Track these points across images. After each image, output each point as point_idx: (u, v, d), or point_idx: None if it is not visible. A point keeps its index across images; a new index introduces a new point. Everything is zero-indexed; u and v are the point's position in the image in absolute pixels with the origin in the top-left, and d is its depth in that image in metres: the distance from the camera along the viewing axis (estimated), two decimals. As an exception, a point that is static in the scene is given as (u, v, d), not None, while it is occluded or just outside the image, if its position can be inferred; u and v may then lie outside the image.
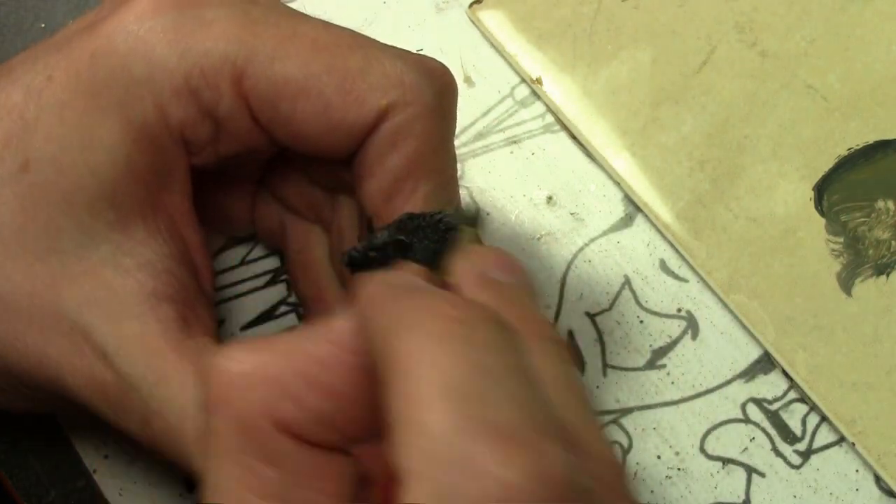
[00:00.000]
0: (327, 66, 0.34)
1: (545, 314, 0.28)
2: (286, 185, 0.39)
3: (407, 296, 0.25)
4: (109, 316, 0.32)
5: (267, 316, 0.42)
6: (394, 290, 0.25)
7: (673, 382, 0.41)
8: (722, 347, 0.41)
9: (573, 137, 0.44)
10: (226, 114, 0.34)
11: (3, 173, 0.32)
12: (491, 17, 0.46)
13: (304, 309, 0.41)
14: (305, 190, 0.39)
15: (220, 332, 0.42)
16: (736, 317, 0.41)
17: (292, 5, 0.47)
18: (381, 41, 0.35)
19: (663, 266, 0.42)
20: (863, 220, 0.41)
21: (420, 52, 0.36)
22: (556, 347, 0.27)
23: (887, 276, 0.41)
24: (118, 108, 0.33)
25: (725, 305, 0.41)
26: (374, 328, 0.25)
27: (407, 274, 0.28)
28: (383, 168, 0.34)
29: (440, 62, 0.35)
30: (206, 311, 0.35)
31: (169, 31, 0.33)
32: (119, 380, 0.32)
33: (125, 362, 0.32)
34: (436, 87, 0.35)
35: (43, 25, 0.47)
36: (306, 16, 0.35)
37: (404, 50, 0.35)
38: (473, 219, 0.33)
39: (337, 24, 0.36)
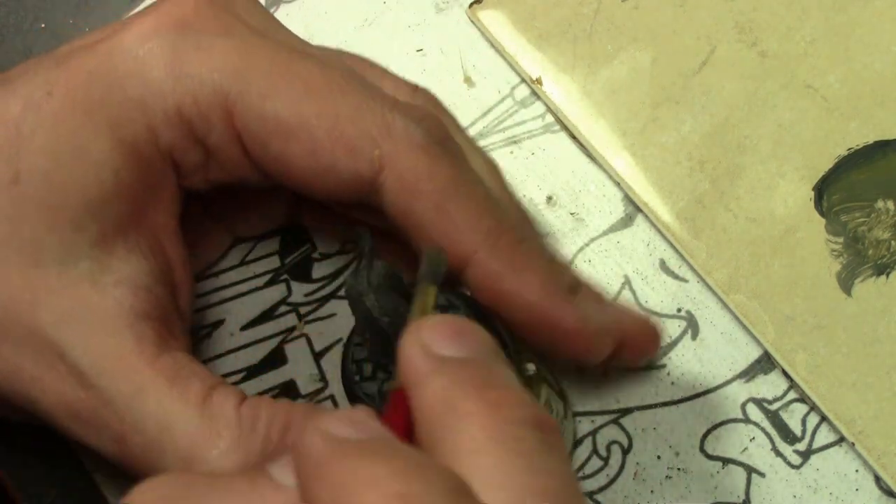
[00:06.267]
0: (318, 109, 0.34)
1: (513, 385, 0.26)
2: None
3: (349, 461, 0.23)
4: (85, 333, 0.32)
5: (267, 316, 0.43)
6: (333, 449, 0.23)
7: (673, 382, 0.41)
8: (722, 347, 0.41)
9: (573, 137, 0.44)
10: (216, 144, 0.34)
11: None
12: (491, 17, 0.46)
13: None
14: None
15: (219, 332, 0.42)
16: (736, 317, 0.41)
17: (292, 6, 0.47)
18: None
19: (663, 266, 0.42)
20: (863, 220, 0.41)
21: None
22: (534, 434, 0.25)
23: (887, 276, 0.41)
24: (111, 127, 0.33)
25: (725, 305, 0.41)
26: (312, 496, 0.23)
27: (355, 416, 0.25)
28: (414, 218, 0.34)
29: (426, 109, 0.36)
30: (180, 328, 0.35)
31: (167, 53, 0.33)
32: (93, 397, 0.32)
33: (100, 378, 0.32)
34: (426, 128, 0.35)
35: (43, 25, 0.47)
36: (304, 52, 0.35)
37: (393, 98, 0.35)
38: (435, 272, 0.31)
39: (331, 65, 0.35)
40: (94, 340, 0.32)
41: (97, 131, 0.33)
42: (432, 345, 0.26)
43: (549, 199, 0.44)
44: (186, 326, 0.36)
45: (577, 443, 0.40)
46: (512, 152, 0.44)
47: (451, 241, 0.34)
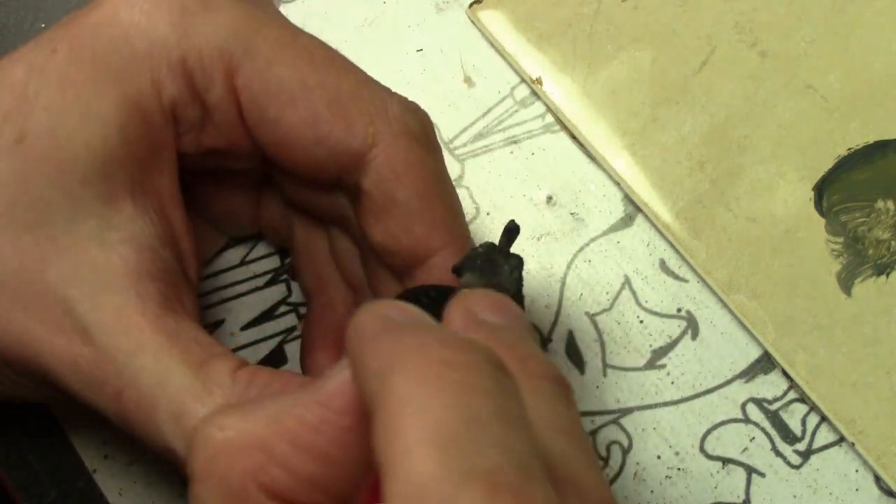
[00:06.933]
0: (321, 80, 0.34)
1: (540, 352, 0.28)
2: (290, 182, 0.39)
3: (397, 333, 0.24)
4: (91, 290, 0.32)
5: (267, 316, 0.43)
6: (384, 325, 0.25)
7: (673, 382, 0.41)
8: (722, 347, 0.41)
9: (573, 137, 0.44)
10: (214, 103, 0.35)
11: None
12: (491, 17, 0.46)
13: (308, 301, 0.41)
14: (308, 189, 0.39)
15: (219, 332, 0.42)
16: (736, 317, 0.41)
17: (291, 6, 0.47)
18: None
19: (663, 266, 0.42)
20: (862, 220, 0.41)
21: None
22: (554, 387, 0.26)
23: (887, 276, 0.41)
24: (116, 80, 0.33)
25: (725, 305, 0.41)
26: (362, 367, 0.24)
27: (401, 304, 0.26)
28: (396, 203, 0.35)
29: (419, 106, 0.36)
30: (189, 296, 0.35)
31: (174, 10, 0.34)
32: (95, 353, 0.32)
33: (103, 335, 0.32)
34: (419, 119, 0.36)
35: (43, 25, 0.47)
36: (303, 30, 0.36)
37: (387, 87, 0.36)
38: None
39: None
40: (98, 297, 0.32)
41: (103, 86, 0.33)
42: (476, 311, 0.28)
43: (549, 199, 0.44)
44: (195, 296, 0.36)
45: (577, 443, 0.40)
46: (512, 152, 0.44)
47: (425, 231, 0.35)
